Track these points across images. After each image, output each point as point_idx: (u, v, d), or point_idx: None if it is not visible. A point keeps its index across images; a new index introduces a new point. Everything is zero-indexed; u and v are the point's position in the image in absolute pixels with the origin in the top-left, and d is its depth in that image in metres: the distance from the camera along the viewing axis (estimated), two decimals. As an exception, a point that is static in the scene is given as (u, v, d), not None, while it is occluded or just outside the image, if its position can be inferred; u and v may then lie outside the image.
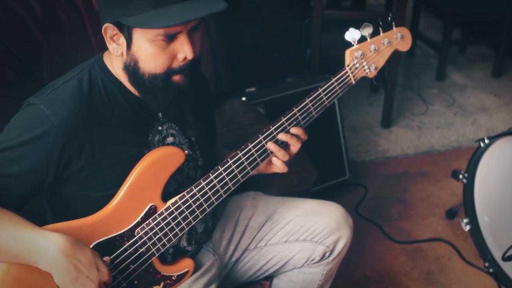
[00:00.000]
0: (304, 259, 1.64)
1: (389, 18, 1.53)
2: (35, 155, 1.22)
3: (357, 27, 1.48)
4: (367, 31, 1.48)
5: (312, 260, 1.63)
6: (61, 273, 1.15)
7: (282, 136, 1.42)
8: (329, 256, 1.65)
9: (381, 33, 1.53)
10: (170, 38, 1.24)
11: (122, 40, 1.27)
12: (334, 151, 2.78)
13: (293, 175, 1.86)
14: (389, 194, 2.88)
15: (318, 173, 2.10)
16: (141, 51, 1.25)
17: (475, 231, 2.38)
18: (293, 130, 1.43)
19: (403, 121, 3.55)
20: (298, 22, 3.37)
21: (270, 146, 1.41)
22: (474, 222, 2.39)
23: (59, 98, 1.25)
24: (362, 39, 1.49)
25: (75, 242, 1.17)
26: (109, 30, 1.26)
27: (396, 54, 3.11)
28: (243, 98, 2.43)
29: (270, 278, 1.72)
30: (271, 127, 1.41)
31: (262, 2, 3.22)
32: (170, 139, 1.43)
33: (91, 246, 1.27)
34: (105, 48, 1.35)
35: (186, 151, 1.35)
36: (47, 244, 1.15)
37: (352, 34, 1.47)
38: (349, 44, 1.49)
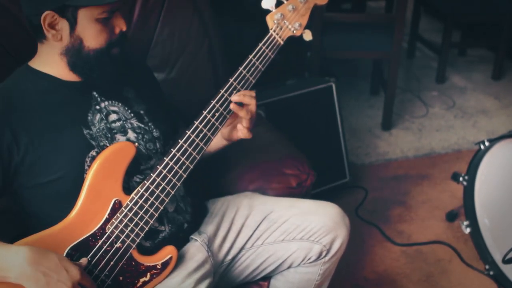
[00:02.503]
0: (300, 258, 1.64)
1: None
2: None
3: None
4: None
5: (309, 259, 1.64)
6: (30, 282, 1.18)
7: (235, 97, 1.49)
8: (325, 256, 1.65)
9: None
10: (111, 14, 1.36)
11: (62, 25, 1.34)
12: (334, 154, 2.78)
13: (291, 178, 1.86)
14: (389, 197, 2.87)
15: (317, 175, 2.10)
16: (87, 30, 1.35)
17: (476, 234, 2.38)
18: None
19: (403, 123, 3.55)
20: (298, 24, 3.37)
21: (233, 106, 1.48)
22: (474, 224, 2.38)
23: None
24: (279, 4, 1.58)
25: (38, 250, 1.21)
26: (48, 17, 1.31)
27: (395, 56, 3.13)
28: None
29: (267, 278, 1.72)
30: (221, 90, 1.48)
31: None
32: (113, 116, 1.47)
33: (65, 251, 1.30)
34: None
35: (136, 144, 1.43)
36: (11, 258, 1.18)
37: (268, 2, 1.57)
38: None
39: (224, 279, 1.67)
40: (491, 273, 2.32)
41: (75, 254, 1.31)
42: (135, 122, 1.51)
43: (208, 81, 2.14)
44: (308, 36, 1.63)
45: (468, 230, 2.39)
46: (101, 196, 1.34)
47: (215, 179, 1.89)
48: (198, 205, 1.67)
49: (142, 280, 1.40)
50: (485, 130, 3.46)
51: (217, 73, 2.19)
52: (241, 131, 1.53)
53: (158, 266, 1.43)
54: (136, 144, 1.44)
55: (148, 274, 1.41)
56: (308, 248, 1.63)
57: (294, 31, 1.61)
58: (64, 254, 1.30)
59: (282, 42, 1.58)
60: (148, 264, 1.41)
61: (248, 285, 1.71)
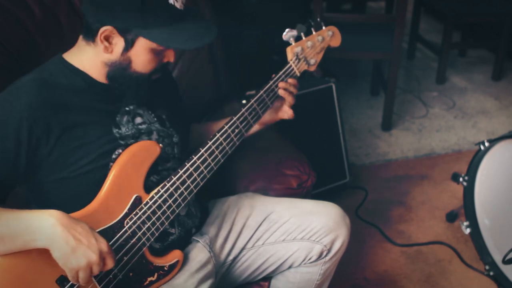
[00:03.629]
0: (301, 258, 1.64)
1: (318, 19, 1.83)
2: (3, 141, 1.26)
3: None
4: (301, 30, 1.69)
5: (309, 259, 1.64)
6: (60, 243, 1.17)
7: (282, 84, 1.67)
8: (326, 255, 1.66)
9: (314, 32, 1.74)
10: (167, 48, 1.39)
11: (118, 42, 1.35)
12: (334, 154, 2.78)
13: (292, 179, 1.87)
14: (389, 197, 2.87)
15: (317, 176, 2.10)
16: (139, 56, 1.37)
17: (476, 234, 2.38)
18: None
19: (403, 124, 3.55)
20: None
21: (281, 92, 1.66)
22: (474, 225, 2.38)
23: (19, 86, 1.32)
24: (298, 38, 1.70)
25: (70, 216, 1.22)
26: (107, 31, 1.32)
27: (395, 57, 3.13)
28: (243, 101, 2.42)
29: (268, 278, 1.73)
30: (242, 109, 1.59)
31: (262, 5, 3.22)
32: (138, 119, 1.48)
33: None
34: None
35: (161, 145, 1.44)
36: (43, 219, 1.19)
37: (289, 34, 1.67)
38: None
39: (226, 279, 1.67)
40: (491, 273, 2.32)
41: None
42: (158, 126, 1.52)
43: (208, 82, 2.15)
44: (318, 73, 1.79)
45: (468, 231, 2.39)
46: (123, 189, 1.36)
47: (216, 179, 1.89)
48: (205, 210, 1.68)
49: (149, 279, 1.42)
50: (485, 131, 3.46)
51: (218, 74, 2.19)
52: (287, 113, 1.71)
53: (165, 268, 1.45)
54: (161, 145, 1.46)
55: (156, 274, 1.43)
56: (309, 248, 1.63)
57: (309, 67, 1.75)
58: None
59: (298, 74, 1.71)
60: (156, 264, 1.43)
61: (249, 285, 1.72)
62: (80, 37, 1.41)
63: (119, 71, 1.39)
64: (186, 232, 1.56)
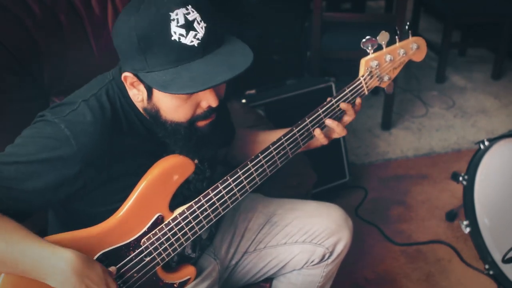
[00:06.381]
0: (303, 261, 1.63)
1: (407, 27, 1.49)
2: (50, 175, 1.18)
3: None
4: (384, 39, 1.43)
5: (312, 262, 1.63)
6: None
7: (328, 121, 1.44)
8: (328, 258, 1.65)
9: (397, 42, 1.48)
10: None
11: (141, 88, 1.23)
12: (334, 154, 2.78)
13: (292, 178, 1.86)
14: (389, 196, 2.88)
15: (317, 176, 2.10)
16: (162, 103, 1.23)
17: (475, 233, 2.38)
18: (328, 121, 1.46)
19: (403, 123, 3.55)
20: (298, 25, 3.38)
21: (343, 105, 1.45)
22: (474, 224, 2.38)
23: (80, 120, 1.21)
24: (378, 47, 1.44)
25: (86, 260, 1.15)
26: (128, 78, 1.23)
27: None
28: (243, 101, 2.43)
29: (269, 280, 1.72)
30: (294, 128, 1.41)
31: (262, 5, 3.22)
32: None
33: (96, 256, 1.25)
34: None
35: (195, 160, 1.32)
36: (57, 262, 1.12)
37: (369, 42, 1.42)
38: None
39: (227, 282, 1.67)
40: (491, 272, 2.32)
41: (105, 260, 1.26)
42: (198, 165, 1.43)
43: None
44: (389, 89, 1.52)
45: (467, 230, 2.40)
46: (147, 207, 1.28)
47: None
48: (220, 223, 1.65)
49: None
50: (484, 130, 3.46)
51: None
52: (340, 133, 1.48)
53: (175, 285, 1.41)
54: (196, 161, 1.33)
55: None
56: (311, 251, 1.62)
57: (381, 83, 1.50)
58: (95, 258, 1.24)
59: (366, 93, 1.48)
60: (167, 282, 1.39)
61: (249, 286, 1.71)
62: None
63: (154, 119, 1.27)
64: (203, 252, 1.56)
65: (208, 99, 1.22)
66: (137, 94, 1.25)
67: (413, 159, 3.18)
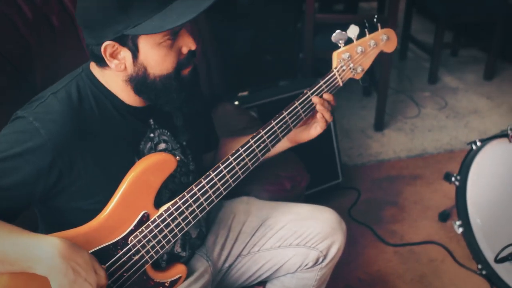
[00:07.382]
0: (297, 264, 1.63)
1: (375, 19, 1.54)
2: (25, 168, 1.20)
3: (344, 29, 1.49)
4: (353, 32, 1.49)
5: (306, 265, 1.63)
6: (59, 276, 1.14)
7: (315, 99, 1.49)
8: (322, 261, 1.64)
9: (367, 35, 1.54)
10: (175, 36, 1.26)
11: (124, 54, 1.26)
12: (326, 155, 2.78)
13: (285, 180, 1.86)
14: (381, 197, 2.88)
15: (310, 177, 2.10)
16: (150, 57, 1.26)
17: (468, 234, 2.39)
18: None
19: (395, 124, 3.56)
20: (290, 26, 3.38)
21: (318, 107, 1.49)
22: (466, 224, 2.39)
23: (48, 111, 1.23)
24: (349, 40, 1.50)
25: (72, 245, 1.17)
26: (108, 48, 1.24)
27: (387, 57, 3.14)
28: (236, 103, 2.42)
29: (263, 283, 1.72)
30: (272, 121, 1.45)
31: (255, 6, 3.22)
32: (162, 146, 1.42)
33: None
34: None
35: (178, 157, 1.35)
36: (44, 248, 1.14)
37: (338, 36, 1.48)
38: (335, 46, 1.51)
39: (221, 285, 1.66)
40: (484, 272, 2.32)
41: None
42: (179, 154, 1.47)
43: (201, 83, 2.14)
44: (364, 80, 1.58)
45: (460, 230, 2.40)
46: (132, 205, 1.29)
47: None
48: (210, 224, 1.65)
49: None
50: (477, 130, 3.48)
51: (211, 74, 2.19)
52: (321, 127, 1.52)
53: (166, 284, 1.41)
54: (178, 157, 1.36)
55: None
56: (305, 254, 1.62)
57: (355, 75, 1.55)
58: None
59: (341, 84, 1.53)
60: (157, 280, 1.39)
61: (243, 289, 1.71)
62: (97, 67, 1.32)
63: (141, 84, 1.29)
64: (194, 251, 1.55)
65: (187, 43, 1.29)
66: (119, 63, 1.27)
67: (405, 160, 3.19)
